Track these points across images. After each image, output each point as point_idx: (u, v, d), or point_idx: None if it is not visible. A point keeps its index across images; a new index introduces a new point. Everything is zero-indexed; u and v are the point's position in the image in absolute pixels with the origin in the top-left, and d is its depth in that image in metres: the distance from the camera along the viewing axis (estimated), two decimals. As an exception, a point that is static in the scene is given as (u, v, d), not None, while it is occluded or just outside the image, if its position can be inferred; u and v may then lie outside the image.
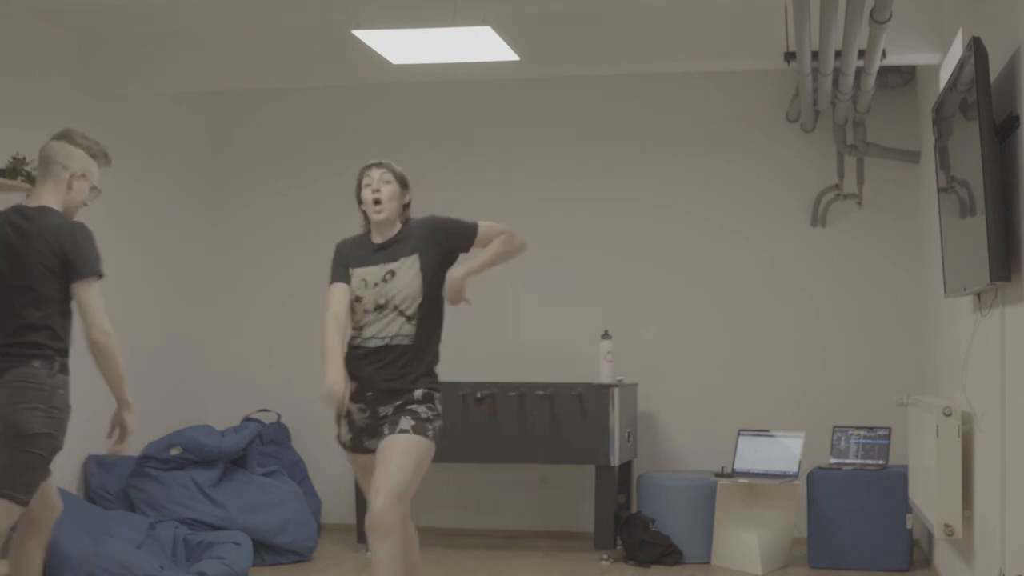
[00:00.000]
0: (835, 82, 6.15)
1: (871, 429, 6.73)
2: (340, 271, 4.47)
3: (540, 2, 6.25)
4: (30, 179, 5.80)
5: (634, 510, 7.22)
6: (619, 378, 7.07)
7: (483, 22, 5.42)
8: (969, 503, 5.02)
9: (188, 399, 7.85)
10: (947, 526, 5.00)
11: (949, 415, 5.04)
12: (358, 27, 5.58)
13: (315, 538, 7.00)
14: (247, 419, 7.61)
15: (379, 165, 4.49)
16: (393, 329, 4.34)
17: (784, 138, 7.52)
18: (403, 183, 4.51)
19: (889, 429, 6.70)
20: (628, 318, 7.59)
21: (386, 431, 4.29)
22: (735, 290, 7.59)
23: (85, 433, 6.71)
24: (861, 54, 5.64)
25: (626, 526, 6.83)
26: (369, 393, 4.35)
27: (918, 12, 5.92)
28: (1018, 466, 4.05)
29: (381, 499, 4.14)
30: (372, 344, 4.35)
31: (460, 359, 7.72)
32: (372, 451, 4.36)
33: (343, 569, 6.69)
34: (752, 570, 6.50)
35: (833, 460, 6.74)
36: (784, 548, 6.68)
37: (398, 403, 4.32)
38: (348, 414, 4.41)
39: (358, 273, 4.43)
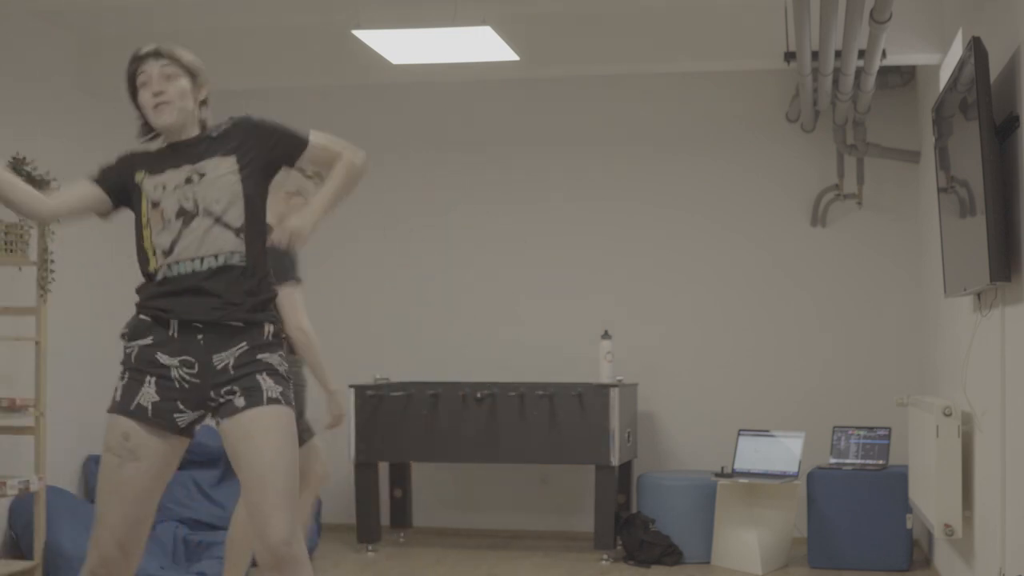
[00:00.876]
0: (835, 82, 6.15)
1: (871, 429, 6.73)
2: (104, 172, 3.43)
3: (540, 2, 6.25)
4: (31, 179, 5.80)
5: (634, 510, 7.22)
6: (619, 378, 7.07)
7: (483, 22, 5.42)
8: (969, 503, 5.02)
9: (188, 399, 7.84)
10: (947, 526, 5.00)
11: (949, 415, 5.04)
12: (358, 27, 5.59)
13: (315, 538, 6.99)
14: (247, 419, 7.60)
15: (157, 55, 3.36)
16: (216, 245, 3.22)
17: (784, 138, 7.52)
18: (194, 73, 3.40)
19: (889, 429, 6.70)
20: (628, 318, 7.59)
21: (240, 401, 3.14)
22: (735, 290, 7.59)
23: (85, 433, 6.74)
24: (861, 54, 5.64)
25: (626, 526, 6.83)
26: (199, 337, 3.16)
27: (918, 12, 5.92)
28: (1018, 466, 4.05)
29: (282, 524, 3.08)
30: (187, 269, 3.20)
31: (460, 359, 7.75)
32: (177, 432, 3.19)
33: (343, 569, 6.69)
34: (752, 570, 6.50)
35: (833, 460, 6.73)
36: (784, 548, 6.67)
37: (243, 348, 3.18)
38: (158, 365, 3.17)
39: (149, 181, 3.33)
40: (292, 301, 4.69)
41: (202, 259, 3.18)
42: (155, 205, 3.25)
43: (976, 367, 4.84)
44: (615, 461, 6.77)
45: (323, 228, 8.40)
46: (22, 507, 6.05)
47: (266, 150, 3.36)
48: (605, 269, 7.73)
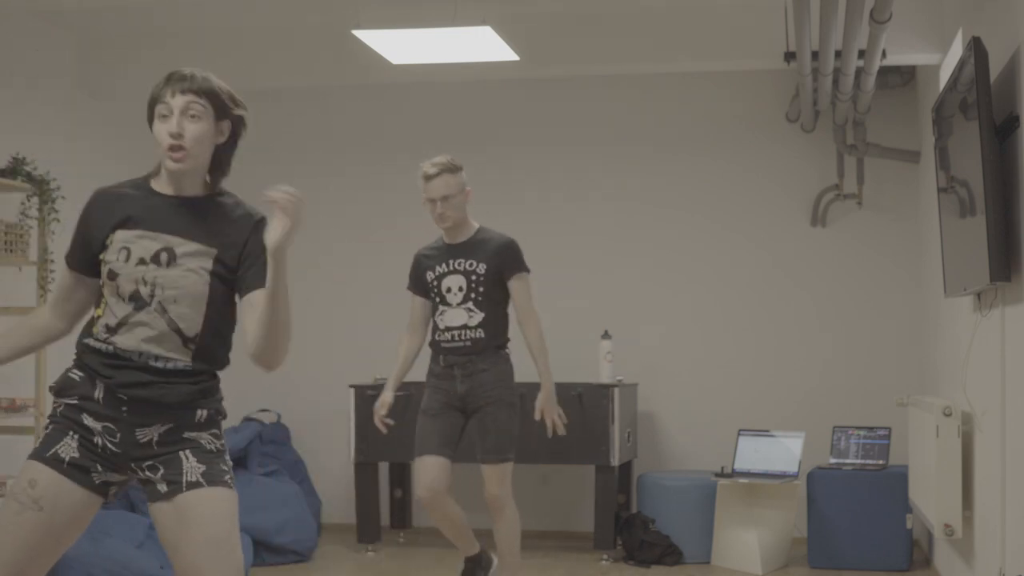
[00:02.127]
0: (835, 82, 6.15)
1: (871, 429, 6.73)
2: (72, 249, 3.12)
3: (540, 2, 6.25)
4: (30, 179, 5.81)
5: (634, 510, 7.22)
6: (619, 378, 7.07)
7: (483, 22, 5.42)
8: (969, 503, 5.02)
9: (188, 399, 7.83)
10: (947, 526, 5.00)
11: (949, 415, 5.04)
12: (358, 27, 5.58)
13: (315, 538, 7.00)
14: (247, 419, 7.61)
15: (184, 80, 3.04)
16: (160, 348, 2.98)
17: (784, 138, 7.52)
18: (223, 112, 3.10)
19: (889, 429, 6.70)
20: (628, 318, 7.59)
21: (163, 487, 2.96)
22: (735, 290, 7.59)
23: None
24: (861, 54, 5.64)
25: (626, 526, 6.83)
26: (124, 409, 2.96)
27: (918, 12, 5.92)
28: (1018, 466, 4.05)
29: None
30: (125, 354, 2.98)
31: (460, 359, 7.74)
32: (91, 488, 2.98)
33: (343, 569, 6.69)
34: (752, 570, 6.50)
35: (833, 460, 6.73)
36: (784, 548, 6.67)
37: (168, 426, 2.98)
38: (82, 425, 2.99)
39: (120, 236, 3.01)
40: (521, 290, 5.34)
41: (140, 354, 2.96)
42: (112, 277, 2.97)
43: (976, 367, 4.84)
44: (615, 461, 6.77)
45: (324, 227, 8.38)
46: (22, 507, 6.04)
47: (242, 266, 3.03)
48: (605, 269, 7.73)
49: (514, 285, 5.30)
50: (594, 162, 7.78)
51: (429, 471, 5.13)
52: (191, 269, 2.97)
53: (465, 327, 5.21)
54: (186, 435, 3.00)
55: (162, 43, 6.75)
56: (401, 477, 7.56)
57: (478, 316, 5.21)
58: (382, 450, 7.05)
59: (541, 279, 7.77)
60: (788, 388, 7.46)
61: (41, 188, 5.85)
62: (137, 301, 2.95)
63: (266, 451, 7.46)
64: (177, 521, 2.93)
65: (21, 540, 2.91)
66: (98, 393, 2.97)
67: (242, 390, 7.92)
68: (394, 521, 7.54)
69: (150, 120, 3.02)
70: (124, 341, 2.96)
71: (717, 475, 6.77)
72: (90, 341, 3.02)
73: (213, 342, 3.04)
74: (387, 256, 8.00)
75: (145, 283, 2.95)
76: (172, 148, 2.97)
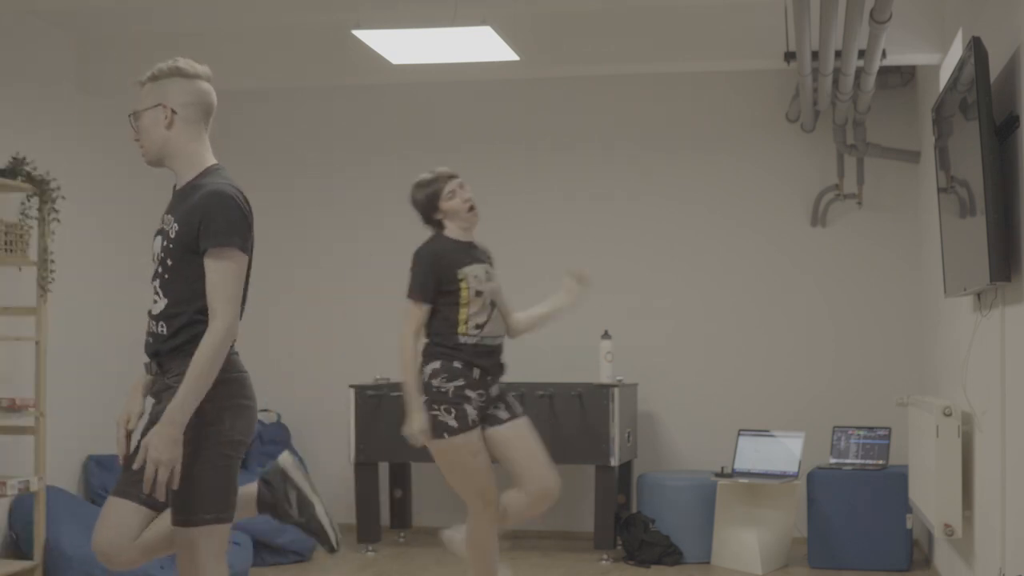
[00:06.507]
0: (835, 82, 6.15)
1: (871, 429, 6.73)
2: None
3: (540, 2, 6.25)
4: (30, 179, 5.81)
5: (634, 510, 7.22)
6: (619, 378, 7.07)
7: (483, 22, 5.43)
8: (969, 503, 5.03)
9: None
10: (947, 526, 5.00)
11: (949, 415, 5.04)
12: (358, 27, 5.59)
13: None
14: (247, 419, 7.60)
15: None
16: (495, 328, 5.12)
17: (784, 138, 7.52)
18: None
19: (889, 429, 6.70)
20: (628, 318, 7.59)
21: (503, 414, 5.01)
22: (735, 290, 7.59)
23: (85, 433, 6.74)
24: (861, 54, 5.65)
25: (626, 526, 6.83)
26: (489, 378, 4.95)
27: (918, 12, 5.93)
28: (1018, 466, 4.05)
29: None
30: (490, 343, 5.04)
31: (460, 359, 7.74)
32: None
33: (343, 569, 6.69)
34: (752, 570, 6.50)
35: (833, 460, 6.74)
36: (784, 548, 6.68)
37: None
38: (469, 400, 4.86)
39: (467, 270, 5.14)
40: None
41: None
42: (479, 294, 5.22)
43: (976, 367, 4.84)
44: (615, 461, 6.77)
45: (324, 227, 8.33)
46: (22, 507, 6.05)
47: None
48: (605, 269, 7.72)
49: (206, 265, 3.29)
50: (593, 162, 7.78)
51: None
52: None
53: (151, 317, 3.40)
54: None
55: (162, 43, 6.75)
56: (401, 477, 7.56)
57: (161, 303, 3.36)
58: (382, 450, 7.05)
59: (541, 278, 7.80)
60: (788, 388, 7.46)
61: (41, 188, 5.86)
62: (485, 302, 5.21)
63: (266, 451, 7.46)
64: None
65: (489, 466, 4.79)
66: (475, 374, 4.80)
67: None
68: (394, 521, 7.54)
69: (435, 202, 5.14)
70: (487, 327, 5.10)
71: (717, 475, 6.77)
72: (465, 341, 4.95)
73: None
74: (386, 255, 8.00)
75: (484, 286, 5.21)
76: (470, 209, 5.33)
